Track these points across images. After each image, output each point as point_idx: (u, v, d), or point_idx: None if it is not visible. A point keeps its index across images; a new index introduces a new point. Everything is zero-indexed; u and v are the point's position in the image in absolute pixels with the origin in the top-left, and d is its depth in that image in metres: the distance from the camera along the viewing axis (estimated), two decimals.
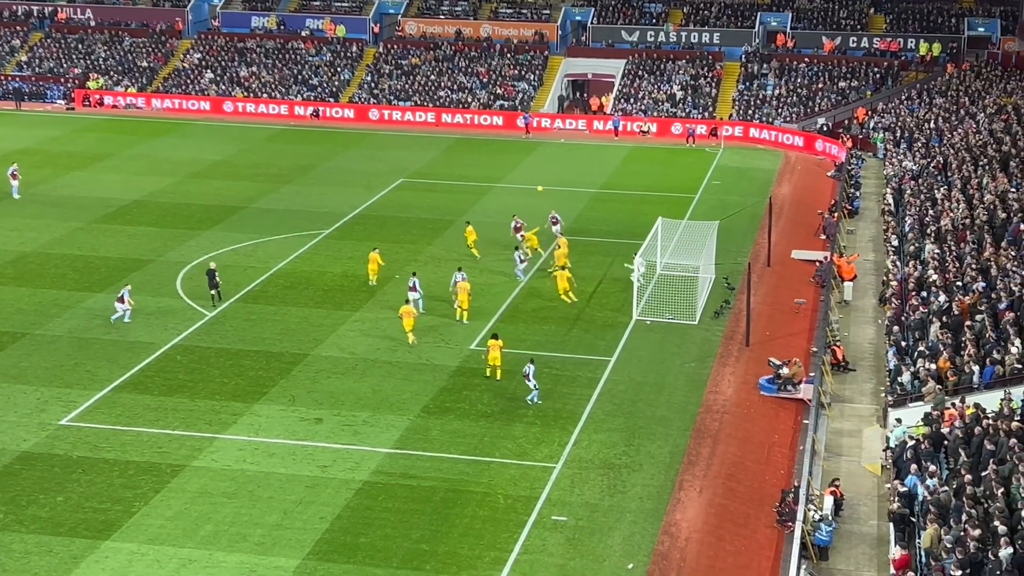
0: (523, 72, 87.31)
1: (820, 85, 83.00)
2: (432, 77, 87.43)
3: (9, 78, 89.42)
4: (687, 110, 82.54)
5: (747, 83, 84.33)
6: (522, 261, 51.38)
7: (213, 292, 48.42)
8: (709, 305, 48.66)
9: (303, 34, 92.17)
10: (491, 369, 42.05)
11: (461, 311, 47.04)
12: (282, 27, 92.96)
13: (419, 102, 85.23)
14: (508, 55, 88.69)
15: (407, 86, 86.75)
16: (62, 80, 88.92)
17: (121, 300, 46.45)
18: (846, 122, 78.83)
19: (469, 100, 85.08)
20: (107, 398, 40.13)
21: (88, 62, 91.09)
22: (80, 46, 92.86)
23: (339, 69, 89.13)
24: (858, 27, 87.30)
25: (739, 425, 39.35)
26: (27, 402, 39.70)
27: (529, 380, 39.96)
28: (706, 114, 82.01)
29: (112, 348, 44.09)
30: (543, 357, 43.64)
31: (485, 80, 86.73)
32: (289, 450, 36.87)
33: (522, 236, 54.19)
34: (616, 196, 65.79)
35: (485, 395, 40.75)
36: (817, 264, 53.09)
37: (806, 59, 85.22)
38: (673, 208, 60.04)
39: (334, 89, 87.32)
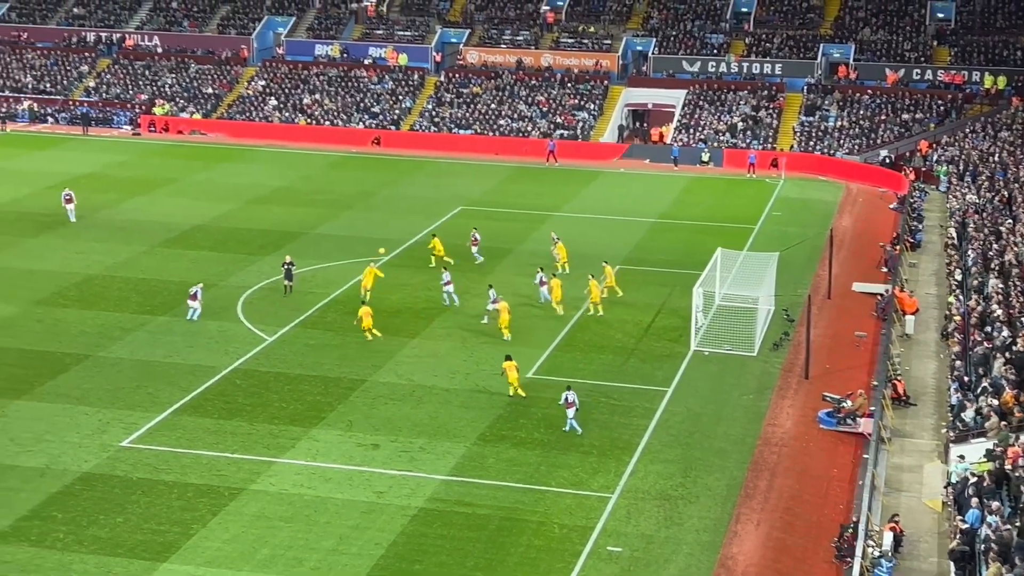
0: (583, 102, 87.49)
1: (883, 117, 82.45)
2: (493, 106, 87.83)
3: (77, 103, 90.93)
4: (747, 141, 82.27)
5: (809, 114, 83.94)
6: (543, 284, 52.07)
7: (288, 283, 52.12)
8: (768, 337, 48.35)
9: (366, 62, 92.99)
10: (513, 388, 42.47)
11: (502, 330, 47.65)
12: (345, 55, 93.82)
13: (479, 131, 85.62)
14: (569, 84, 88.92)
15: (468, 114, 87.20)
16: (129, 106, 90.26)
17: (193, 298, 49.01)
18: (908, 154, 78.21)
19: (529, 129, 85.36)
20: (167, 420, 40.52)
21: (154, 88, 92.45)
22: (147, 72, 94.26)
23: (400, 97, 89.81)
24: (922, 59, 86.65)
25: (797, 458, 39.00)
26: (89, 423, 40.17)
27: (573, 407, 39.88)
28: (766, 145, 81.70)
29: (173, 371, 44.54)
30: (600, 387, 43.59)
31: (545, 109, 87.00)
32: (346, 475, 37.01)
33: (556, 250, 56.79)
34: (675, 226, 65.64)
35: (541, 423, 40.69)
36: (878, 297, 52.64)
37: (869, 91, 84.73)
38: (733, 239, 59.81)
39: (395, 117, 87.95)
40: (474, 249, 57.73)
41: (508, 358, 43.09)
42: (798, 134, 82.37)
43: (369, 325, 47.79)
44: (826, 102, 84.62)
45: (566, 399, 40.03)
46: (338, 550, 32.90)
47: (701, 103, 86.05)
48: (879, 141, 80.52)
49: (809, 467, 38.55)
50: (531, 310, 51.17)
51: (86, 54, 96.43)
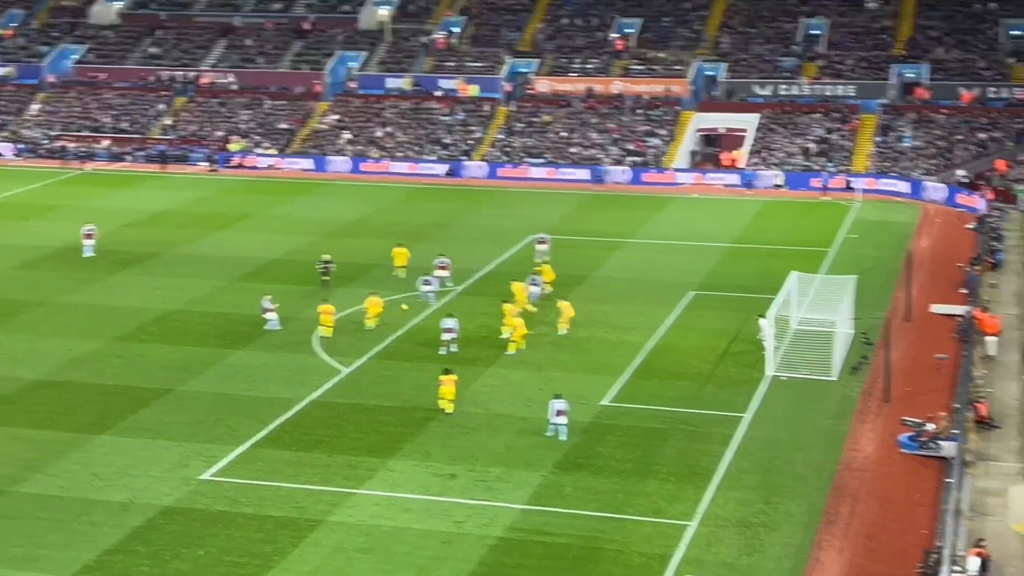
0: (655, 128, 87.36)
1: (959, 137, 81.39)
2: (564, 134, 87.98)
3: (154, 142, 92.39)
4: (821, 164, 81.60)
5: (884, 136, 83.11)
6: (537, 285, 54.88)
7: (325, 279, 57.66)
8: (847, 361, 47.81)
9: (437, 94, 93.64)
10: (444, 403, 43.07)
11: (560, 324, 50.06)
12: (416, 87, 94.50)
13: (551, 159, 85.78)
14: (639, 111, 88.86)
15: (539, 144, 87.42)
16: (205, 143, 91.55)
17: (267, 310, 52.59)
18: (986, 174, 77.07)
19: (600, 156, 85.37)
20: (247, 453, 40.87)
21: (230, 125, 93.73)
22: (222, 109, 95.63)
23: (472, 128, 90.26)
24: (998, 77, 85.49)
25: (879, 483, 38.46)
26: (170, 457, 40.62)
27: (559, 416, 40.69)
28: (841, 167, 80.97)
29: (252, 404, 44.95)
30: (677, 413, 43.34)
31: (616, 136, 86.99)
32: (424, 505, 37.08)
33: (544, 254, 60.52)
34: (749, 251, 65.20)
35: (618, 451, 40.53)
36: (959, 319, 51.86)
37: (944, 111, 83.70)
38: (808, 262, 59.26)
39: (467, 148, 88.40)
40: (443, 274, 58.22)
41: (447, 371, 43.69)
42: (873, 156, 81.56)
43: (330, 324, 50.92)
44: (900, 123, 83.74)
45: (556, 409, 40.98)
46: None
47: (774, 126, 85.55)
48: (956, 161, 79.47)
49: (891, 492, 38.00)
50: (607, 337, 51.07)
51: (163, 93, 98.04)
